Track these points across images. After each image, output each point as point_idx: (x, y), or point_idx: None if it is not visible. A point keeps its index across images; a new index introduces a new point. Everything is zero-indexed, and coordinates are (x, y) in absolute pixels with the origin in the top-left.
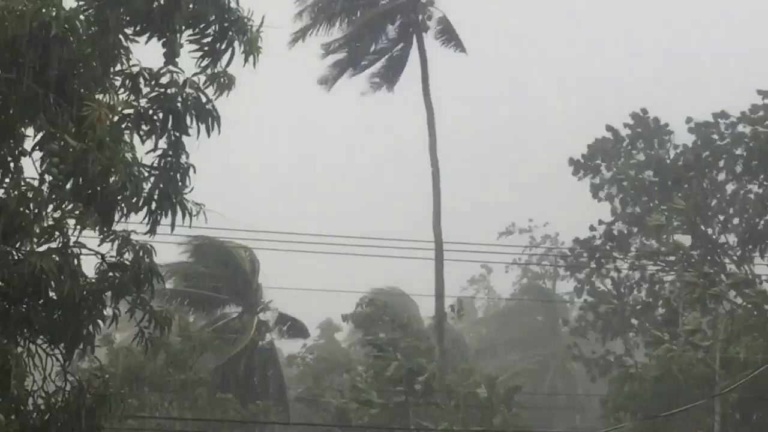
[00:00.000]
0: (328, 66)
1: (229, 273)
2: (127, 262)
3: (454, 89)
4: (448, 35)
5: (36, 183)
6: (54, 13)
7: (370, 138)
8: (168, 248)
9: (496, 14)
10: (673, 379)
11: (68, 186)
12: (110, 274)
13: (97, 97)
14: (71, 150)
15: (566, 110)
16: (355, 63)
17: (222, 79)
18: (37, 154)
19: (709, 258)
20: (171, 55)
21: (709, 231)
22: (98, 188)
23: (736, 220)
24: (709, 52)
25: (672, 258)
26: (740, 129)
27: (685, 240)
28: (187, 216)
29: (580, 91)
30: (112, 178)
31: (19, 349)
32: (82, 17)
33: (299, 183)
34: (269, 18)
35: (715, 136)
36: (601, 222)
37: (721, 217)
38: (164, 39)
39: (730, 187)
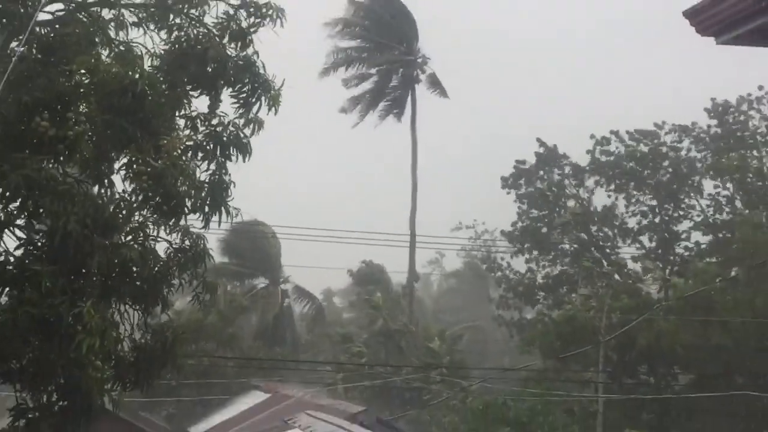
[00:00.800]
0: (347, 100)
1: (260, 255)
2: (187, 247)
3: (440, 123)
4: (435, 86)
5: (124, 194)
6: (138, 74)
7: (371, 159)
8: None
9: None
10: (571, 328)
11: (150, 194)
12: (175, 255)
13: (168, 133)
14: (153, 169)
15: (515, 141)
16: (370, 101)
17: (254, 123)
18: (122, 173)
19: (593, 248)
20: (213, 106)
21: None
22: (171, 194)
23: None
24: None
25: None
26: (622, 150)
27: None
28: (229, 216)
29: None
30: (182, 188)
31: (111, 309)
32: (157, 77)
33: (318, 192)
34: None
35: (602, 158)
36: (520, 220)
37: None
38: (211, 94)
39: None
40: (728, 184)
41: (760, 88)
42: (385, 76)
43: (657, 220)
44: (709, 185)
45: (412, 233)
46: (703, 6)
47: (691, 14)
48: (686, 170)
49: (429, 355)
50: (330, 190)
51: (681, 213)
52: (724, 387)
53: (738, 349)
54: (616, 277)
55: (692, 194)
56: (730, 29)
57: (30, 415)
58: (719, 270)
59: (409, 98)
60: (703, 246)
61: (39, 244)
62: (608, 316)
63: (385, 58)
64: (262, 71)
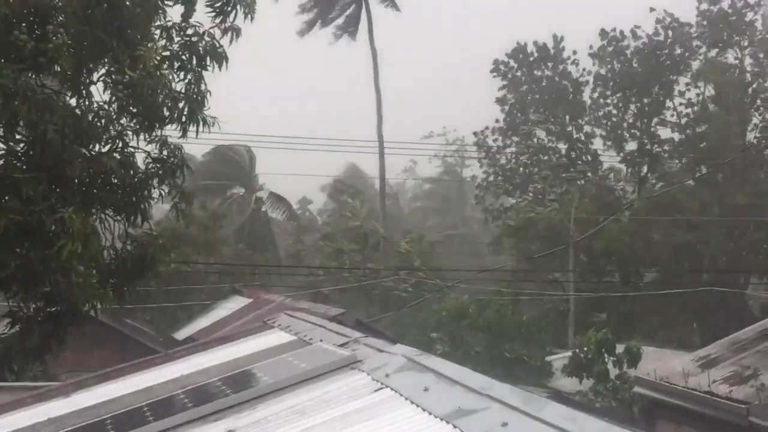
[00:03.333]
0: (303, 22)
1: (235, 164)
2: (165, 157)
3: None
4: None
5: (103, 104)
6: None
7: (339, 73)
8: (193, 148)
9: None
10: (540, 229)
11: (126, 104)
12: (154, 165)
13: (144, 43)
14: (129, 79)
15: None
16: (323, 18)
17: (232, 31)
18: (101, 85)
19: (574, 154)
20: (186, 14)
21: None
22: (148, 104)
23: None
24: None
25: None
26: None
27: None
28: (206, 126)
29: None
30: (158, 98)
31: (93, 218)
32: None
33: (289, 101)
34: None
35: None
36: (497, 121)
37: (587, 127)
38: (186, 2)
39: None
40: (701, 84)
41: None
42: None
43: (636, 122)
44: (682, 82)
45: (380, 141)
46: None
47: None
48: (670, 63)
49: (402, 258)
50: (305, 103)
51: (659, 117)
52: (689, 284)
53: (702, 248)
54: (590, 175)
55: (671, 90)
56: None
57: (23, 322)
58: (687, 172)
59: (364, 13)
60: (675, 143)
61: (19, 154)
62: (577, 217)
63: None
64: None
